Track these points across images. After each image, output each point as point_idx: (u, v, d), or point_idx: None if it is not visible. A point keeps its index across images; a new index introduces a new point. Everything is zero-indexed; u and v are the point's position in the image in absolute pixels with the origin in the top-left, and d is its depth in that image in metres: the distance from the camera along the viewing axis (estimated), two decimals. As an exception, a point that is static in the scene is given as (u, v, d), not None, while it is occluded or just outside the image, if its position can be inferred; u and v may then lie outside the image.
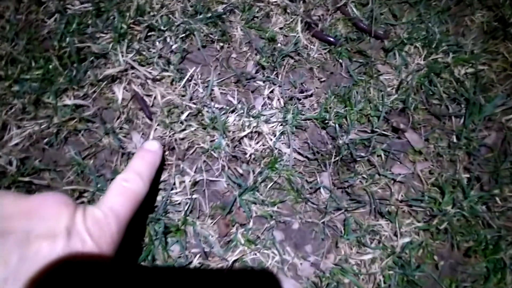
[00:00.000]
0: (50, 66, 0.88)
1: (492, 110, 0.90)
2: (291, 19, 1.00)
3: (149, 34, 0.95)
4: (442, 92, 0.93)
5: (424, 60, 0.96)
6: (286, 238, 0.82)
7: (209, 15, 0.96)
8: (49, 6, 0.97)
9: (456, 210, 0.81)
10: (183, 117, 0.87)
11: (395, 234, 0.81)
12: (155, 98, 0.89)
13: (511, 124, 0.91)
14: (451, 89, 0.94)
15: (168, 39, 0.94)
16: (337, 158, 0.87)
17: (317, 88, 0.95)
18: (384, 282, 0.78)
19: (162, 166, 0.86)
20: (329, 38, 0.97)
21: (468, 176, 0.86)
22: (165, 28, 0.94)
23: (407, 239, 0.80)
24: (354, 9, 1.01)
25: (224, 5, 0.98)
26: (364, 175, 0.86)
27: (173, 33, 0.94)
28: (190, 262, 0.76)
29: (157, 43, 0.93)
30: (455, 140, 0.89)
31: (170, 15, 0.96)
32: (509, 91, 0.94)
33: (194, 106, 0.88)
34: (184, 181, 0.83)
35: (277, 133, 0.88)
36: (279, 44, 0.97)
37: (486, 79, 0.95)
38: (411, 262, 0.79)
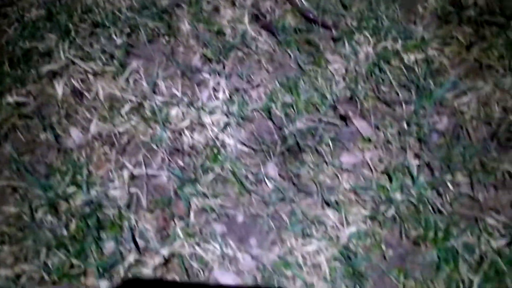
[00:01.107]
0: (2, 69, 0.89)
1: (442, 95, 0.88)
2: (239, 12, 0.99)
3: (95, 31, 0.94)
4: (392, 79, 0.91)
5: (373, 48, 0.95)
6: (230, 232, 0.79)
7: (155, 10, 0.96)
8: (11, 17, 0.98)
9: (405, 197, 0.78)
10: (123, 110, 0.85)
11: (342, 224, 0.78)
12: (96, 92, 0.88)
13: (463, 108, 0.88)
14: (401, 76, 0.92)
15: (113, 35, 0.93)
16: (284, 148, 0.84)
17: (265, 79, 0.93)
18: (330, 275, 0.74)
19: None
20: (276, 30, 0.96)
21: (418, 163, 0.83)
22: (110, 25, 0.94)
23: (353, 229, 0.77)
24: (303, 0, 1.01)
25: (171, 0, 0.98)
26: (311, 165, 0.83)
27: (118, 29, 0.93)
28: (125, 258, 0.73)
29: (102, 39, 0.93)
30: (405, 127, 0.87)
31: (116, 12, 0.96)
32: (462, 75, 0.92)
33: (136, 99, 0.87)
34: (122, 176, 0.80)
35: (221, 125, 0.86)
36: (227, 37, 0.96)
37: (437, 65, 0.93)
38: (357, 253, 0.75)
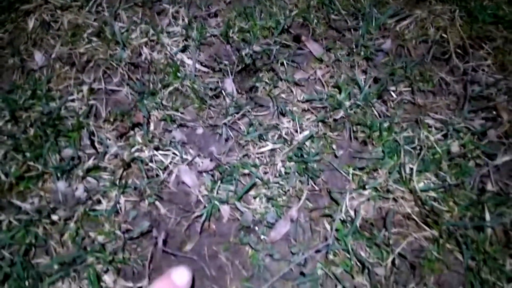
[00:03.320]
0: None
1: (385, 20, 0.96)
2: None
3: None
4: (341, 9, 0.98)
5: (324, -18, 1.02)
6: (190, 142, 0.82)
7: None
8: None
9: (353, 103, 0.84)
10: (85, 35, 0.87)
11: (296, 130, 0.83)
12: (61, 23, 0.90)
13: (404, 31, 0.96)
14: (349, 6, 1.00)
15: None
16: (241, 67, 0.89)
17: (222, 9, 0.98)
18: (286, 173, 0.78)
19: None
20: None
21: (365, 77, 0.90)
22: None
23: (307, 132, 0.82)
24: None
25: None
26: (267, 81, 0.88)
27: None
28: (83, 163, 0.74)
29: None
30: (354, 48, 0.93)
31: None
32: (402, 4, 1.01)
33: (97, 24, 0.89)
34: (82, 90, 0.82)
35: (181, 46, 0.89)
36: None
37: (381, -3, 1.02)
38: (310, 152, 0.80)
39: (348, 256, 0.70)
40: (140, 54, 0.87)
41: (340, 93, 0.87)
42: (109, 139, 0.78)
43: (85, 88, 0.81)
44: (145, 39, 0.86)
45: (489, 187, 0.74)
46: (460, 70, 0.91)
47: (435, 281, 0.69)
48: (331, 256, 0.71)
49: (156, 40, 0.88)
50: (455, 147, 0.79)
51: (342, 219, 0.73)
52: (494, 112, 0.85)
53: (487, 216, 0.71)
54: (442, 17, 0.96)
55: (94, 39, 0.87)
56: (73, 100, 0.80)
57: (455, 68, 0.92)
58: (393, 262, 0.70)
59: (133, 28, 0.90)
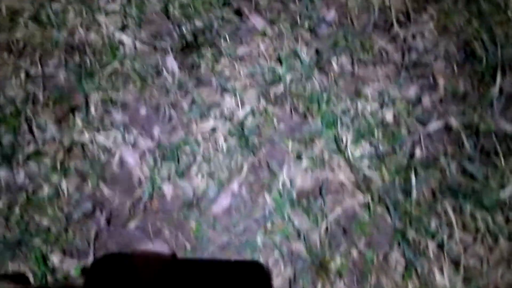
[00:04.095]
0: None
1: (329, -12, 0.95)
2: None
3: None
4: (286, -22, 0.97)
5: (268, -49, 0.99)
6: (133, 122, 0.83)
7: None
8: None
9: (294, 76, 0.85)
10: (22, 19, 0.85)
11: (237, 106, 0.84)
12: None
13: (348, 0, 0.96)
14: (294, -25, 0.98)
15: None
16: (183, 44, 0.88)
17: (163, -16, 0.96)
18: (227, 148, 0.80)
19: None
20: None
21: (307, 49, 0.90)
22: None
23: (248, 108, 0.83)
24: None
25: None
26: (210, 57, 0.88)
27: None
28: (23, 149, 0.75)
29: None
30: (298, 20, 0.93)
31: None
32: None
33: (33, 8, 0.86)
34: (19, 76, 0.81)
35: (119, 25, 0.87)
36: None
37: (327, -35, 1.00)
38: (251, 127, 0.82)
39: (285, 225, 0.74)
40: (75, 34, 0.85)
41: (281, 66, 0.88)
42: (48, 123, 0.78)
43: (22, 74, 0.80)
44: (82, 21, 0.85)
45: (418, 152, 0.78)
46: (400, 38, 0.92)
47: (366, 243, 0.74)
48: (269, 225, 0.75)
49: (92, 20, 0.86)
50: (389, 116, 0.81)
51: (279, 190, 0.76)
52: (431, 78, 0.87)
53: (413, 181, 0.75)
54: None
55: (31, 23, 0.85)
56: (11, 88, 0.79)
57: (396, 36, 0.93)
58: (326, 228, 0.74)
59: (69, 8, 0.87)
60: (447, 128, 0.80)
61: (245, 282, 0.27)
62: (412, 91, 0.84)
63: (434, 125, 0.81)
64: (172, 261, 0.27)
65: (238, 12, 0.92)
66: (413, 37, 0.89)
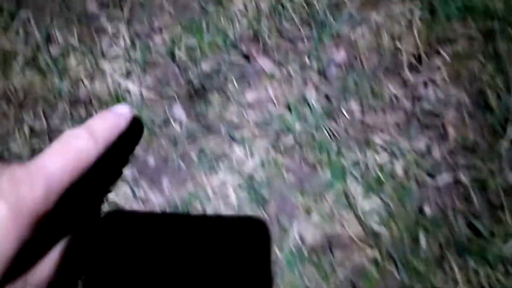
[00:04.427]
0: None
1: (339, 27, 0.92)
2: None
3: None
4: (294, 15, 0.93)
5: (275, -16, 0.95)
6: (141, 175, 0.82)
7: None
8: None
9: (303, 126, 0.84)
10: (17, 65, 0.81)
11: (246, 156, 0.83)
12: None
13: (358, 39, 0.93)
14: (303, 12, 0.94)
15: (-6, -17, 0.86)
16: (189, 91, 0.86)
17: (167, 23, 0.92)
18: (236, 202, 0.81)
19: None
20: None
21: (317, 94, 0.88)
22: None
23: (257, 159, 0.83)
24: None
25: None
26: (217, 104, 0.86)
27: (-1, -25, 0.86)
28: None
29: (-18, -13, 0.85)
30: (306, 61, 0.91)
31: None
32: (358, 7, 0.96)
33: (29, 52, 0.83)
34: (23, 131, 0.79)
35: (124, 72, 0.85)
36: (124, -20, 0.92)
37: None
38: (261, 180, 0.82)
39: (296, 281, 0.76)
40: (82, 84, 0.83)
41: (291, 113, 0.87)
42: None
43: (26, 129, 0.78)
44: (86, 71, 0.82)
45: (426, 207, 0.79)
46: (411, 83, 0.90)
47: (374, 298, 0.77)
48: (279, 281, 0.77)
49: (96, 69, 0.83)
50: (399, 169, 0.82)
51: (290, 248, 0.78)
52: (441, 128, 0.86)
53: (422, 236, 0.77)
54: (399, 20, 0.93)
55: (28, 70, 0.82)
56: (16, 144, 0.78)
57: (407, 81, 0.91)
58: (336, 284, 0.76)
59: (70, 52, 0.84)
60: (456, 182, 0.81)
61: (247, 234, 0.28)
62: (422, 142, 0.84)
63: (443, 178, 0.81)
64: None
65: (246, 55, 0.90)
66: (425, 84, 0.88)
